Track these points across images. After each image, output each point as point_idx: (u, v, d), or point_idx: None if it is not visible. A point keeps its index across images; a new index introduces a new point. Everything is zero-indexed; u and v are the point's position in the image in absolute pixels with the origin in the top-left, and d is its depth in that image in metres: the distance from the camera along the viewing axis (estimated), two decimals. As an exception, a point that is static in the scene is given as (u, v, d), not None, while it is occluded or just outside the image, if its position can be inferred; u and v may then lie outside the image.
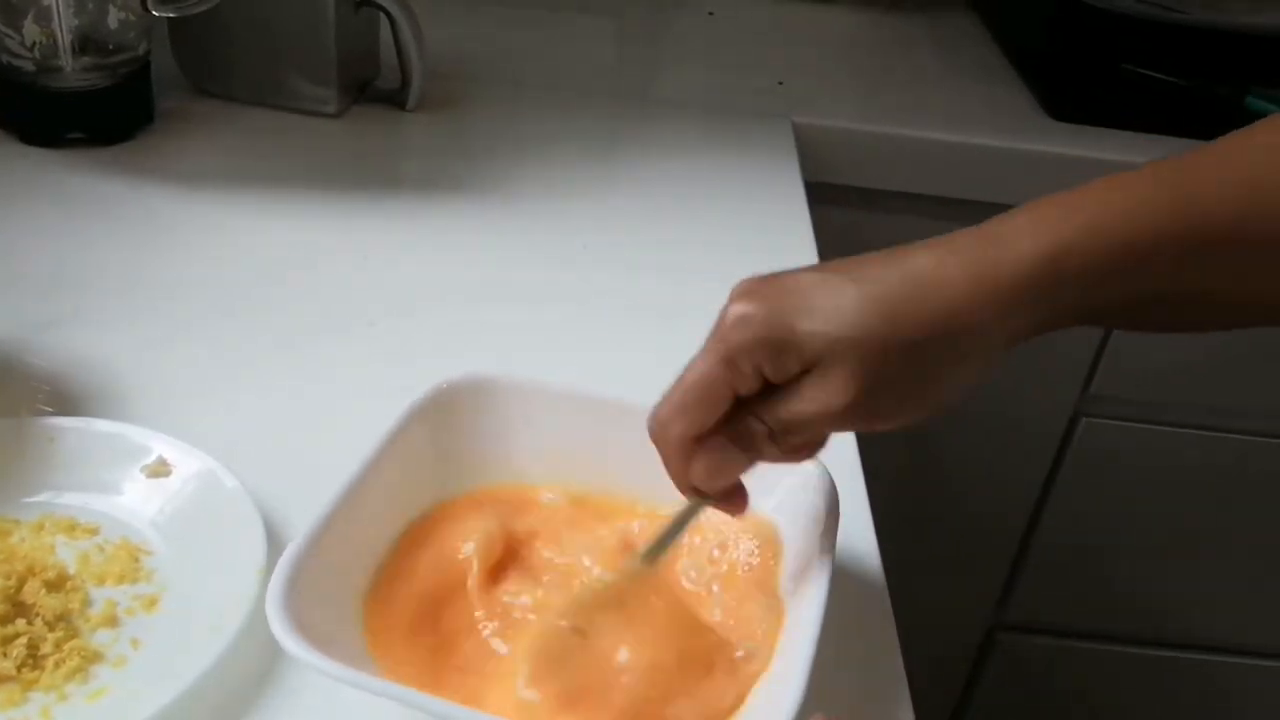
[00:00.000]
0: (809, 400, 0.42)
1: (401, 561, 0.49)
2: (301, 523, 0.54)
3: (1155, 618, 1.28)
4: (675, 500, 0.47)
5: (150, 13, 0.80)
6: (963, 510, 1.21)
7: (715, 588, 0.51)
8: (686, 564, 0.52)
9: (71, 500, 0.52)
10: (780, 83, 1.07)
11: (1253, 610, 1.27)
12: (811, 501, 0.50)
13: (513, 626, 0.48)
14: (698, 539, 0.52)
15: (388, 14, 0.89)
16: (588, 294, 0.76)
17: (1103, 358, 1.10)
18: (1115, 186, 0.44)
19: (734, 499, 0.47)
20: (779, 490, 0.52)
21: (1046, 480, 1.19)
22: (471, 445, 0.54)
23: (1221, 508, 1.19)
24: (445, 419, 0.53)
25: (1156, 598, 1.26)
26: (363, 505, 0.48)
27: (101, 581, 0.49)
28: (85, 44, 0.79)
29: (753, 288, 0.44)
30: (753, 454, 0.45)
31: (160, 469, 0.53)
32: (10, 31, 0.77)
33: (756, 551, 0.51)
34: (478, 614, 0.48)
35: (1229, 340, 1.06)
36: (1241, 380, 1.11)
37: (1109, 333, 1.08)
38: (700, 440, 0.44)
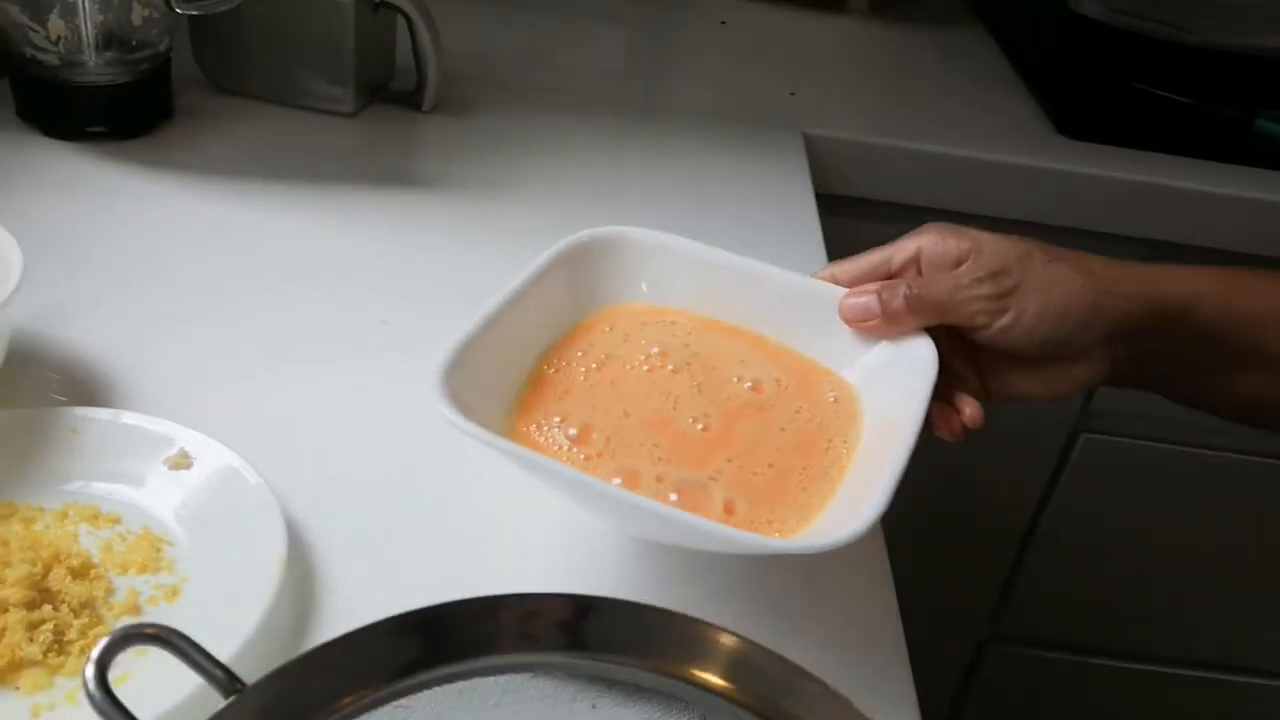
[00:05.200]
0: None
1: (543, 370, 0.55)
2: (321, 517, 0.55)
3: (1148, 633, 1.29)
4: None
5: (174, 10, 0.80)
6: (959, 522, 1.22)
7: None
8: None
9: (95, 490, 0.53)
10: (792, 93, 1.08)
11: (1246, 629, 1.28)
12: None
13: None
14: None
15: (406, 16, 0.90)
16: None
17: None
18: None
19: None
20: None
21: (1044, 495, 1.20)
22: (606, 282, 0.59)
23: (1217, 525, 1.20)
24: (582, 260, 0.58)
25: (1150, 613, 1.27)
26: (505, 327, 0.52)
27: (124, 571, 0.50)
28: (109, 40, 0.80)
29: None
30: None
31: (182, 461, 0.54)
32: (35, 26, 0.78)
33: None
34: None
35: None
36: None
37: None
38: None
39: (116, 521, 0.52)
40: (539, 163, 0.91)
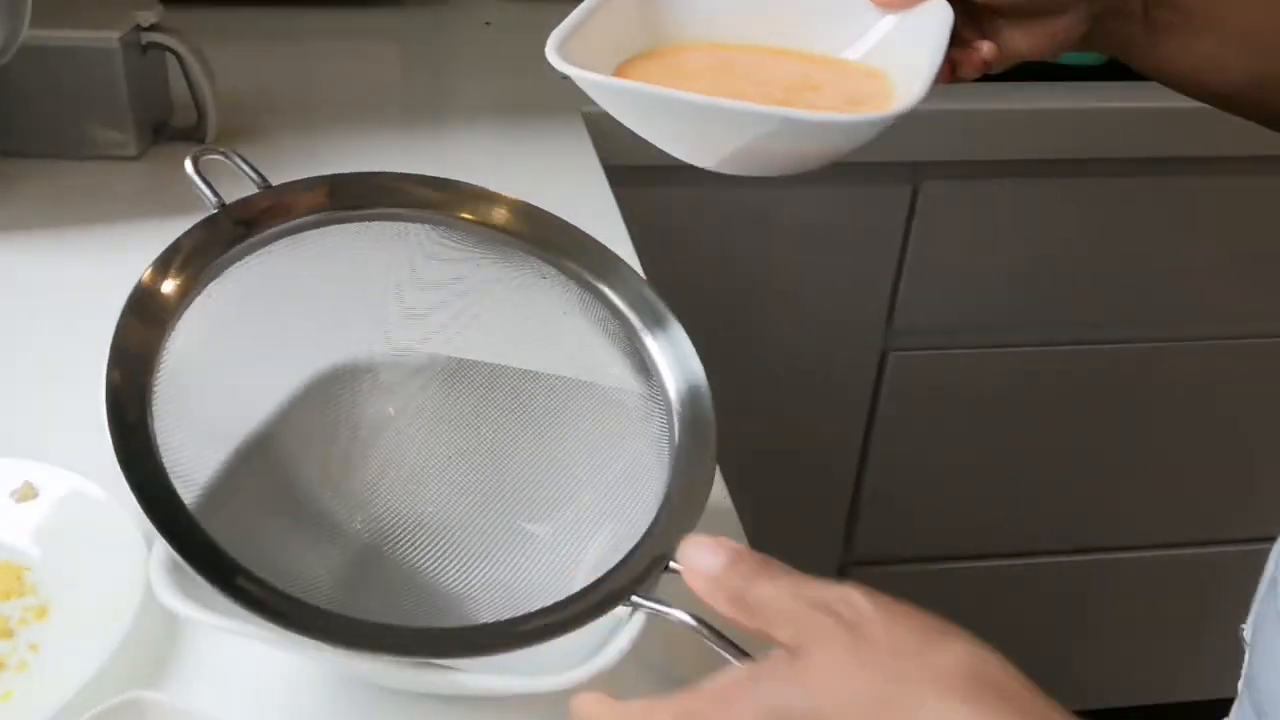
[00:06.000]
0: None
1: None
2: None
3: (996, 530, 1.36)
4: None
5: (-66, 76, 0.80)
6: (793, 459, 1.28)
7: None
8: None
9: (-55, 533, 0.54)
10: (564, 77, 1.12)
11: (1087, 509, 1.37)
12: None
13: None
14: None
15: (175, 53, 0.91)
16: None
17: (899, 293, 1.18)
18: None
19: None
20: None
21: (869, 418, 1.27)
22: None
23: (1032, 418, 1.29)
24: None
25: (992, 511, 1.34)
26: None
27: (-10, 601, 0.50)
28: None
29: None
30: None
31: (28, 492, 0.55)
32: None
33: None
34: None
35: (1016, 260, 1.17)
36: (1027, 297, 1.21)
37: (901, 267, 1.17)
38: None
39: (-27, 559, 0.53)
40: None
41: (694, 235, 1.12)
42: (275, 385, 0.51)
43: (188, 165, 0.52)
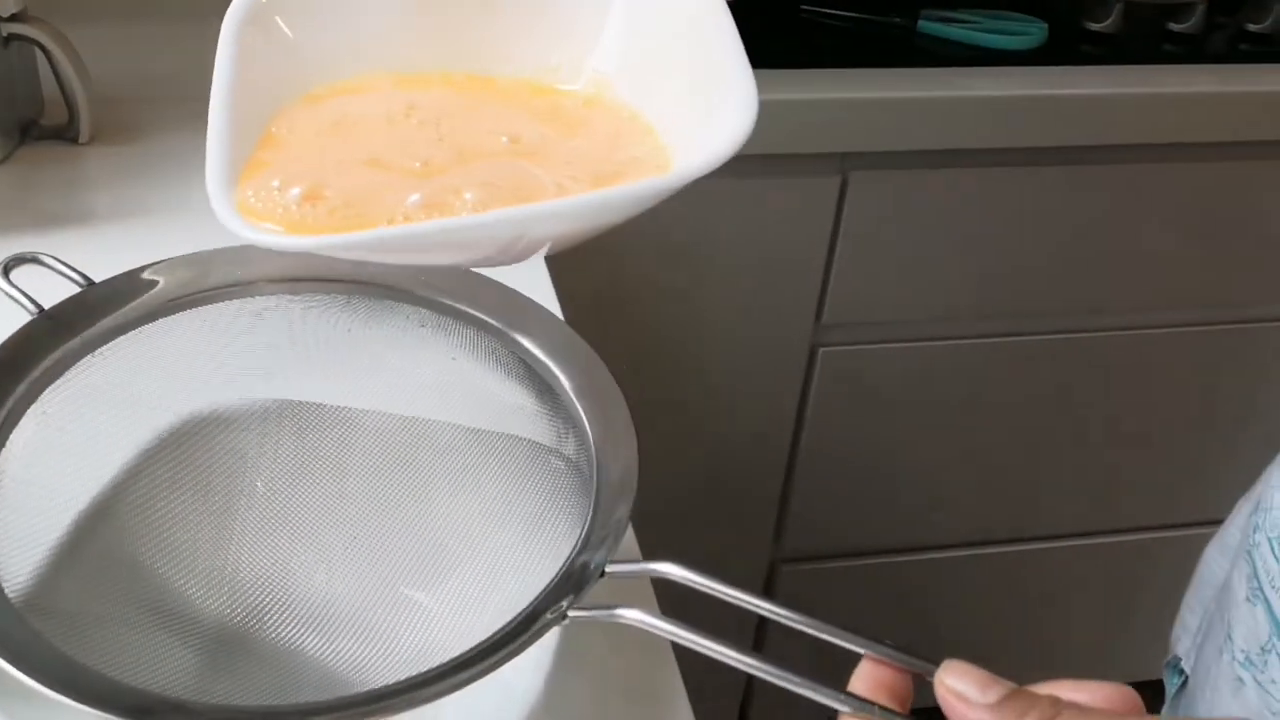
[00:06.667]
0: None
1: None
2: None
3: (925, 524, 1.35)
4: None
5: None
6: (720, 458, 1.24)
7: None
8: None
9: None
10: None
11: (1013, 499, 1.35)
12: None
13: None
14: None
15: (40, 47, 0.84)
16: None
17: (828, 289, 1.14)
18: None
19: None
20: None
21: (798, 414, 1.23)
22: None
23: (962, 412, 1.26)
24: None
25: (922, 504, 1.33)
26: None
27: None
28: None
29: None
30: None
31: None
32: None
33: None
34: None
35: (942, 256, 1.13)
36: (958, 289, 1.18)
37: (830, 262, 1.13)
38: None
39: None
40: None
41: (611, 231, 1.07)
42: (111, 454, 0.46)
43: None
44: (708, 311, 1.14)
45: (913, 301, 1.17)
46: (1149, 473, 1.36)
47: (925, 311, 1.19)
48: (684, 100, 0.43)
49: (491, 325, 0.51)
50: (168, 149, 0.89)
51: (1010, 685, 0.37)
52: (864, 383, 1.22)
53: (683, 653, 0.43)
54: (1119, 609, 1.48)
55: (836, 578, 1.37)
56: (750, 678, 1.24)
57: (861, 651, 0.39)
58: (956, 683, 0.37)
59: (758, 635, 1.32)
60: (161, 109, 0.94)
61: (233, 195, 0.39)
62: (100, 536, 0.44)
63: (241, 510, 0.48)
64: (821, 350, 1.18)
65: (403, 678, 0.39)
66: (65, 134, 0.87)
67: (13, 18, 0.82)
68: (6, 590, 0.39)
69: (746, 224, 1.09)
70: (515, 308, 0.52)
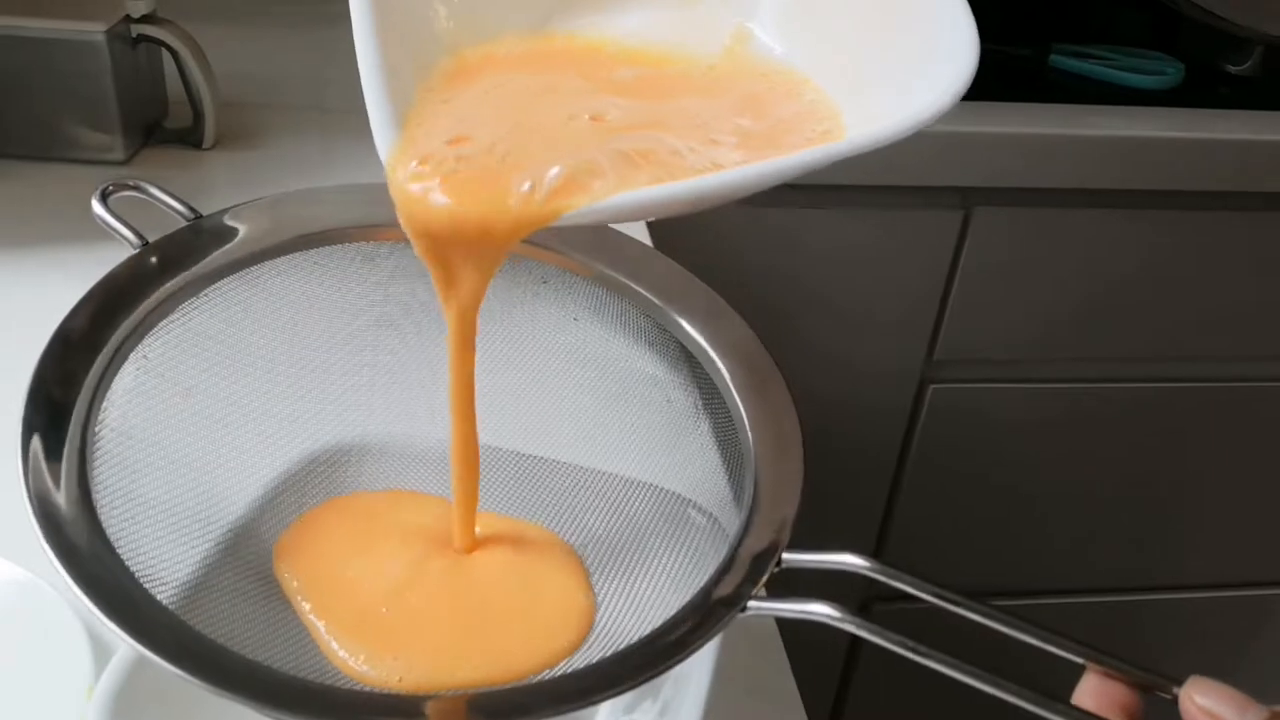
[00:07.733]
0: None
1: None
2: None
3: (1023, 568, 1.31)
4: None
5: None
6: (821, 490, 1.21)
7: None
8: None
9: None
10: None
11: (1120, 549, 1.31)
12: None
13: None
14: None
15: (170, 49, 0.83)
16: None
17: (943, 324, 1.11)
18: None
19: None
20: None
21: (901, 451, 1.20)
22: None
23: (1074, 455, 1.22)
24: None
25: (1024, 551, 1.29)
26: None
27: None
28: None
29: None
30: None
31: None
32: None
33: None
34: None
35: (1063, 298, 1.09)
36: (1076, 332, 1.14)
37: (946, 298, 1.09)
38: None
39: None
40: (336, 180, 0.85)
41: (729, 259, 1.05)
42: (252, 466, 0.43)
43: (95, 206, 0.44)
44: (818, 339, 1.11)
45: (1028, 341, 1.14)
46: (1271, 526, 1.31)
47: (1040, 352, 1.15)
48: (857, 44, 0.38)
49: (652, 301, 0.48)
50: (291, 155, 0.88)
51: (1269, 708, 0.34)
52: (973, 421, 1.19)
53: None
54: (1227, 662, 1.43)
55: (928, 618, 1.33)
56: (846, 676, 1.20)
57: (1081, 662, 0.36)
58: (1210, 702, 0.34)
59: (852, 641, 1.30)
60: (287, 114, 0.94)
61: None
62: (212, 501, 0.42)
63: (355, 465, 0.45)
64: (931, 386, 1.15)
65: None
66: (188, 138, 0.86)
67: (144, 18, 0.82)
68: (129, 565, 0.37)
69: (864, 253, 1.06)
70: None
